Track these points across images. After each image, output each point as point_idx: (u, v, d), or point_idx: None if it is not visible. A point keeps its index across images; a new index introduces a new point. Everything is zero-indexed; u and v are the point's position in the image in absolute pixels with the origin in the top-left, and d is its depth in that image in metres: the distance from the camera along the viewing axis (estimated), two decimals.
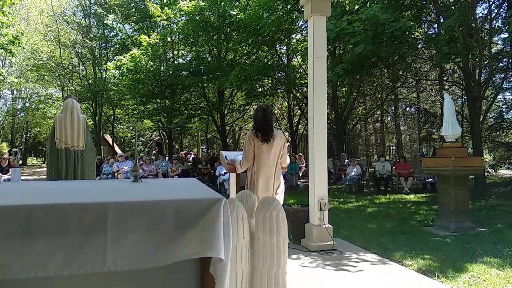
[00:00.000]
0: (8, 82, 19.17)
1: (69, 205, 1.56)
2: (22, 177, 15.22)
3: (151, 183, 2.51)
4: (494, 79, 11.63)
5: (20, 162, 19.68)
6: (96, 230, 1.54)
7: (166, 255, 1.60)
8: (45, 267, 1.49)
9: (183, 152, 24.29)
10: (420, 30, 13.32)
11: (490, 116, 16.08)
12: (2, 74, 15.75)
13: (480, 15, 12.67)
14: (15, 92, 31.01)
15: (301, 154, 16.70)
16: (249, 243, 2.36)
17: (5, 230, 1.47)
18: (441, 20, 11.20)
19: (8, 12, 13.46)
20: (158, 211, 1.61)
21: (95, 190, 2.15)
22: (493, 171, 18.13)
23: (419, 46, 13.32)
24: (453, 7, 10.31)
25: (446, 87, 17.28)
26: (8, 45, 14.40)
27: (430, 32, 13.96)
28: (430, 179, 12.28)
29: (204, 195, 1.85)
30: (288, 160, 4.23)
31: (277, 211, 2.39)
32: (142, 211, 1.60)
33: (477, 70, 11.17)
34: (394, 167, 12.96)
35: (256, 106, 21.66)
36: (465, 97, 13.41)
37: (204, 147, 30.80)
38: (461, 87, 13.92)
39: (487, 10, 12.18)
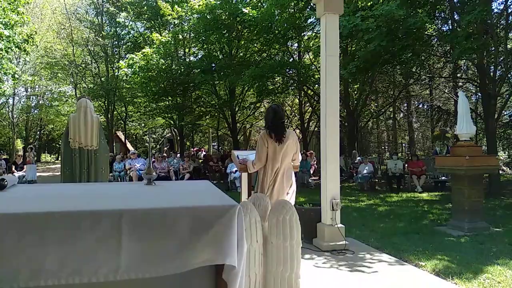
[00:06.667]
0: (23, 80, 19.40)
1: (83, 212, 1.56)
2: (37, 174, 15.43)
3: (164, 187, 2.50)
4: (509, 76, 11.39)
5: (35, 158, 19.93)
6: (110, 238, 1.53)
7: (179, 263, 1.58)
8: (55, 275, 1.47)
9: (194, 149, 24.41)
10: (434, 26, 13.13)
11: (505, 113, 15.82)
12: (16, 72, 15.93)
13: (496, 10, 12.45)
14: (29, 89, 31.36)
15: (312, 151, 16.64)
16: (263, 247, 2.35)
17: (19, 237, 1.46)
18: (456, 17, 11.03)
19: (22, 12, 13.60)
20: (172, 218, 1.60)
21: (109, 195, 2.15)
22: (508, 169, 17.87)
23: (433, 42, 13.14)
24: (469, 3, 10.14)
25: (460, 84, 17.03)
26: (22, 43, 14.56)
27: (444, 29, 13.75)
28: (443, 177, 12.12)
29: (218, 201, 1.84)
30: (300, 158, 4.22)
31: (290, 215, 2.37)
32: (156, 218, 1.59)
33: (492, 67, 10.98)
34: (406, 165, 12.83)
35: (267, 104, 21.76)
36: (480, 94, 13.20)
37: (215, 144, 30.85)
38: (476, 84, 13.71)
39: (503, 5, 11.97)
